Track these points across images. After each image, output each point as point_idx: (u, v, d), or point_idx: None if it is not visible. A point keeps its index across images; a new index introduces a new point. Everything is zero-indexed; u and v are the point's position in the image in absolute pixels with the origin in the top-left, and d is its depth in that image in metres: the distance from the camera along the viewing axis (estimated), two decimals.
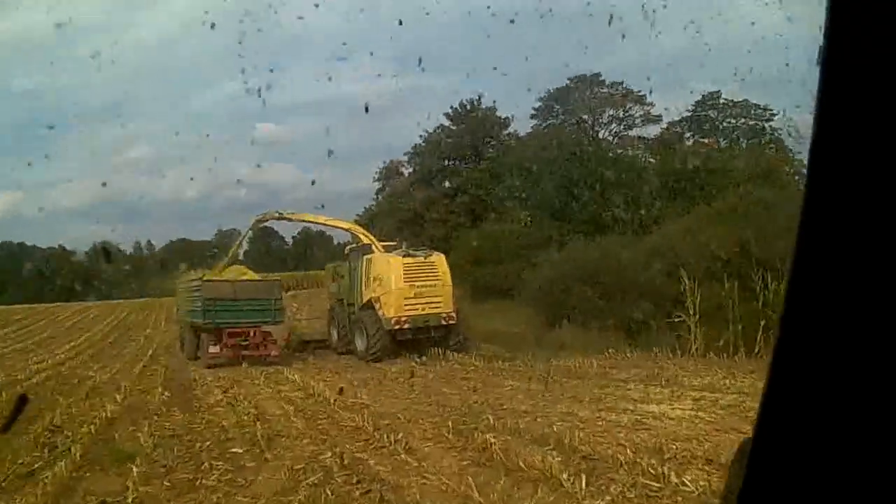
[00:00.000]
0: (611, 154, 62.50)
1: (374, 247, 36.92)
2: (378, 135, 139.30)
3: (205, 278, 35.54)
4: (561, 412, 19.27)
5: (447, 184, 71.12)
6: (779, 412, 1.91)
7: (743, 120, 75.10)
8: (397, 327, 33.93)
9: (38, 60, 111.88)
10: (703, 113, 75.31)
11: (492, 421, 17.86)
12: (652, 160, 62.62)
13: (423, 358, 33.87)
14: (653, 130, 74.13)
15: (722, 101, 74.66)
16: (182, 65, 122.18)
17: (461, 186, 68.21)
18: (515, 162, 63.14)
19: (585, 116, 74.46)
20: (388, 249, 36.70)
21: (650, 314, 33.58)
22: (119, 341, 51.82)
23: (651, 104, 74.37)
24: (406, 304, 33.94)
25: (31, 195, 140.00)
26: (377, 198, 77.98)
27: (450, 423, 17.60)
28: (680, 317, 31.62)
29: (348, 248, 39.97)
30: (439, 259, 35.70)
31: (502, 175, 63.69)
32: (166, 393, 26.38)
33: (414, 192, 72.46)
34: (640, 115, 75.02)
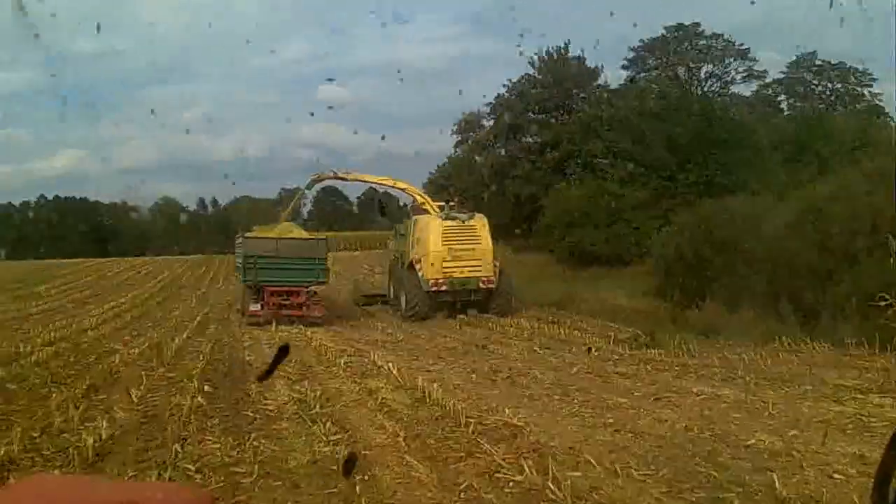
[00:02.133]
0: (719, 111, 52.80)
1: (428, 208, 35.78)
2: (441, 99, 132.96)
3: (248, 235, 33.87)
4: (841, 454, 11.48)
5: (533, 138, 61.44)
6: None
7: (840, 84, 65.72)
8: (434, 289, 33.06)
9: (103, 22, 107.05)
10: (798, 76, 65.86)
11: (746, 478, 10.41)
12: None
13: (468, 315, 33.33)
14: (747, 88, 64.55)
15: (818, 62, 65.12)
16: (246, 26, 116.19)
17: (550, 141, 58.44)
18: (612, 115, 54.03)
19: (682, 70, 64.80)
20: (452, 210, 35.29)
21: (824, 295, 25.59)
22: (166, 303, 43.91)
23: (754, 59, 64.93)
24: (444, 267, 33.03)
25: (96, 153, 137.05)
26: (455, 152, 68.11)
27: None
28: (886, 299, 21.69)
29: (410, 207, 38.81)
30: (480, 222, 34.41)
31: (597, 129, 54.27)
32: (206, 386, 17.60)
33: (496, 146, 64.30)
34: (743, 71, 65.58)
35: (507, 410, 14.90)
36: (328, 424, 13.75)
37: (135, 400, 15.96)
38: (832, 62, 66.22)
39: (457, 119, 66.59)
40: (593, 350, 24.13)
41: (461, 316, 33.15)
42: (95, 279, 60.11)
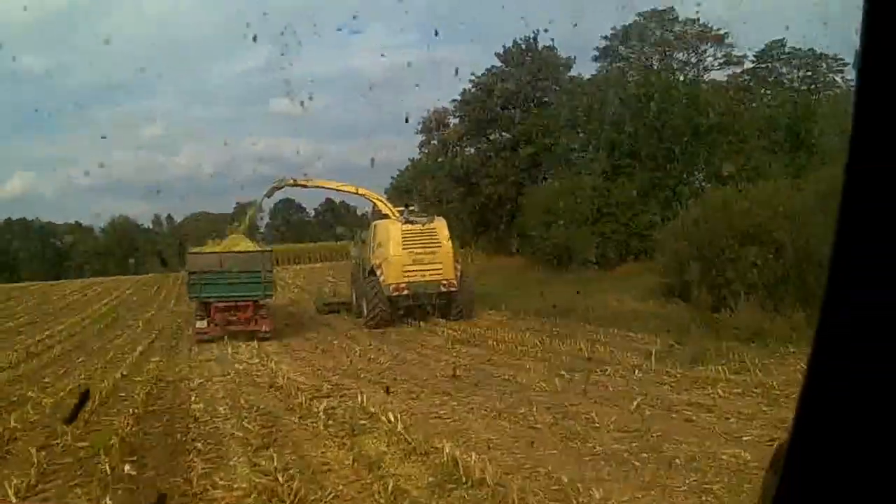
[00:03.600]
0: (706, 96, 47.48)
1: (388, 213, 34.75)
2: (395, 108, 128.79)
3: (192, 250, 32.61)
4: None
5: (504, 134, 55.41)
6: (816, 414, 1.70)
7: (809, 72, 60.89)
8: (395, 294, 31.58)
9: (50, 40, 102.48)
10: (768, 64, 60.94)
11: None
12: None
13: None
14: (722, 76, 59.45)
15: (788, 50, 60.26)
16: (194, 41, 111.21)
17: (522, 136, 52.54)
18: (589, 106, 48.31)
19: (656, 59, 59.51)
20: (412, 214, 34.13)
21: None
22: (111, 328, 37.13)
23: (731, 45, 59.71)
24: (405, 271, 31.59)
25: (47, 174, 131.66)
26: (420, 152, 62.09)
27: None
28: None
29: (370, 213, 38.15)
30: (440, 225, 33.09)
31: (574, 121, 49.24)
32: (127, 466, 11.66)
33: (464, 145, 58.22)
34: (721, 57, 60.37)
35: (593, 491, 9.37)
36: None
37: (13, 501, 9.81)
38: (802, 49, 61.39)
39: (420, 120, 60.59)
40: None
41: (420, 323, 31.43)
42: (37, 304, 53.11)
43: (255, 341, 28.15)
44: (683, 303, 27.66)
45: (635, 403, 14.93)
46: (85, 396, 17.38)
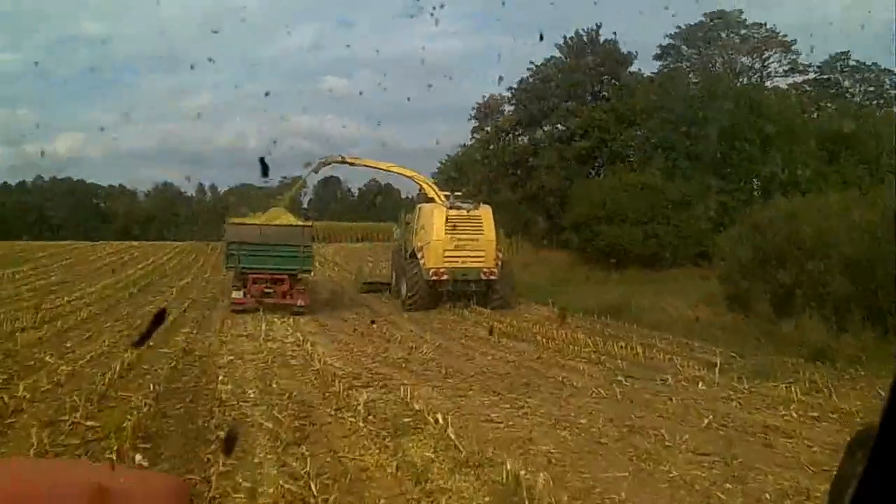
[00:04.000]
0: (770, 102, 45.75)
1: (434, 196, 33.81)
2: (446, 94, 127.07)
3: (232, 220, 31.88)
4: None
5: (560, 126, 53.35)
6: None
7: (872, 87, 58.80)
8: (435, 278, 30.96)
9: (106, 6, 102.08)
10: (831, 76, 58.88)
11: None
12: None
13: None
14: (782, 83, 57.81)
15: (852, 62, 58.16)
16: (251, 14, 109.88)
17: (578, 129, 50.73)
18: (649, 103, 47.30)
19: (719, 61, 57.53)
20: (458, 200, 33.06)
21: None
22: (141, 294, 35.24)
23: (797, 52, 57.77)
24: (446, 256, 31.02)
25: (96, 136, 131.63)
26: (472, 138, 60.47)
27: None
28: None
29: (416, 196, 37.69)
30: (485, 212, 32.37)
31: (632, 117, 47.95)
32: (138, 456, 10.30)
33: (518, 134, 56.58)
34: (786, 63, 58.43)
35: None
36: None
37: None
38: (867, 63, 59.33)
39: (472, 106, 58.89)
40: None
41: (464, 311, 30.53)
42: (72, 264, 51.55)
43: (290, 318, 26.94)
44: (742, 312, 25.88)
45: (706, 421, 13.30)
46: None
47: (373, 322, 20.79)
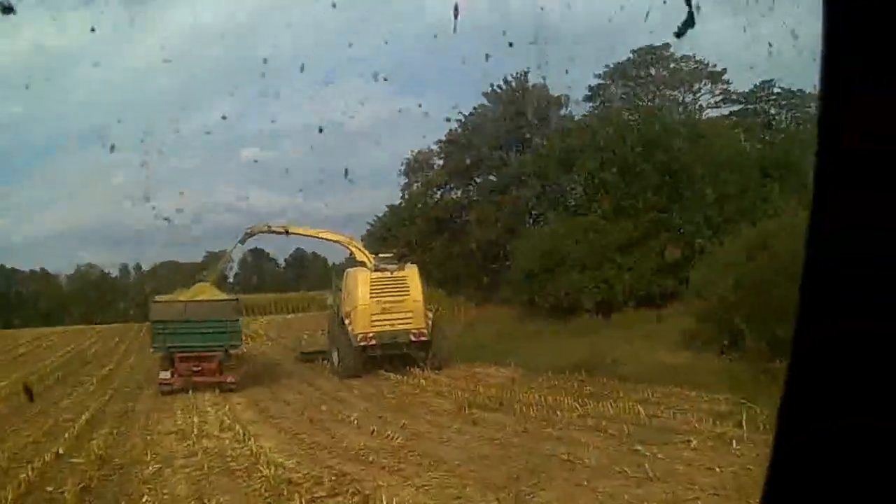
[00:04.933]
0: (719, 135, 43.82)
1: (366, 260, 32.66)
2: (368, 160, 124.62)
3: (156, 299, 30.84)
4: None
5: (492, 177, 51.06)
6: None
7: (798, 113, 56.93)
8: (363, 343, 29.84)
9: (22, 87, 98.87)
10: (757, 105, 57.04)
11: None
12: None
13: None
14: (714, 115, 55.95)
15: (777, 90, 56.39)
16: (166, 91, 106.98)
17: (512, 178, 48.28)
18: (587, 144, 43.67)
19: (647, 98, 55.20)
20: (382, 262, 32.42)
21: None
22: (55, 388, 30.74)
23: (728, 82, 55.82)
24: (373, 320, 30.06)
25: (16, 220, 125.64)
26: (402, 197, 57.12)
27: None
28: None
29: (345, 262, 36.95)
30: (411, 272, 31.80)
31: (570, 161, 44.14)
32: None
33: (449, 188, 53.72)
34: (718, 94, 56.53)
35: None
36: None
37: None
38: (791, 89, 57.43)
39: (403, 162, 55.75)
40: None
41: (421, 381, 27.75)
42: None
43: (226, 406, 23.68)
44: (732, 353, 22.64)
45: None
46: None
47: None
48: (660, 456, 13.25)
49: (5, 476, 13.79)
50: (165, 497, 12.30)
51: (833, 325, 1.61)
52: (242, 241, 35.45)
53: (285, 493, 11.98)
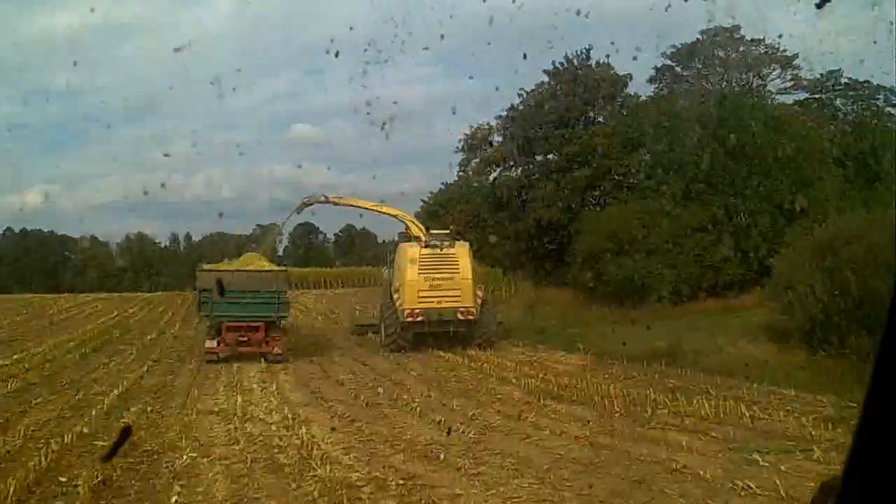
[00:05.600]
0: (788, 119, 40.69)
1: (421, 236, 31.87)
2: (415, 140, 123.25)
3: (204, 267, 30.18)
4: None
5: (554, 155, 47.85)
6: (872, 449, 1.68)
7: (863, 103, 53.74)
8: (410, 320, 29.12)
9: (77, 58, 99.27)
10: (821, 95, 53.67)
11: None
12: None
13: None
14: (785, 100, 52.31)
15: (844, 80, 53.02)
16: (219, 64, 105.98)
17: (576, 156, 45.32)
18: (656, 125, 41.59)
19: (715, 80, 52.36)
20: (444, 239, 31.64)
21: None
22: (94, 355, 28.60)
23: (798, 67, 52.78)
24: (420, 297, 29.20)
25: (69, 188, 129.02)
26: (459, 173, 55.02)
27: None
28: None
29: (399, 236, 34.70)
30: (461, 250, 30.82)
31: (637, 141, 42.70)
32: None
33: (510, 165, 50.80)
34: (788, 79, 53.60)
35: None
36: None
37: None
38: (859, 80, 54.26)
39: (460, 138, 53.19)
40: None
41: (484, 365, 25.41)
42: (26, 319, 44.98)
43: (274, 384, 21.63)
44: (831, 350, 19.97)
45: None
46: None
47: (449, 432, 13.95)
48: (783, 468, 10.96)
49: (14, 461, 11.63)
50: (199, 499, 10.03)
51: None
52: (299, 211, 34.76)
53: (345, 500, 9.68)
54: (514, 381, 20.98)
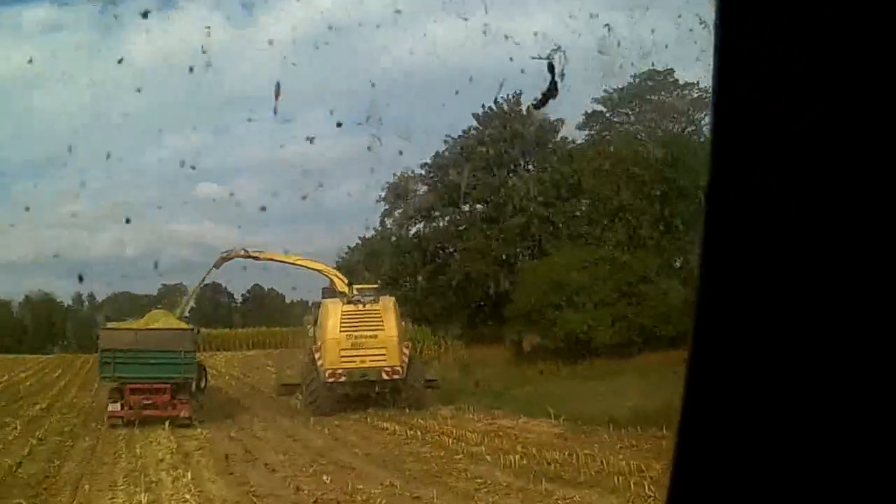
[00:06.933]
0: None
1: (345, 291, 30.17)
2: (323, 198, 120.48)
3: (107, 326, 29.98)
4: None
5: (480, 205, 45.18)
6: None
7: None
8: (331, 380, 27.35)
9: None
10: None
11: None
12: None
13: None
14: None
15: None
16: (123, 122, 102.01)
17: (505, 205, 42.16)
18: (594, 170, 39.40)
19: (645, 127, 50.07)
20: (368, 295, 29.94)
21: None
22: None
23: None
24: (342, 356, 27.66)
25: None
26: (381, 224, 50.76)
27: None
28: None
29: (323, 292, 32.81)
30: (386, 305, 29.33)
31: (575, 186, 40.48)
32: None
33: (434, 216, 47.60)
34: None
35: None
36: None
37: None
38: None
39: (383, 187, 49.55)
40: None
41: (446, 438, 21.48)
42: None
43: (190, 475, 16.28)
44: None
45: None
46: None
47: None
48: None
49: None
50: None
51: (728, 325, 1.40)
52: (218, 266, 33.08)
53: None
54: (487, 457, 16.87)
